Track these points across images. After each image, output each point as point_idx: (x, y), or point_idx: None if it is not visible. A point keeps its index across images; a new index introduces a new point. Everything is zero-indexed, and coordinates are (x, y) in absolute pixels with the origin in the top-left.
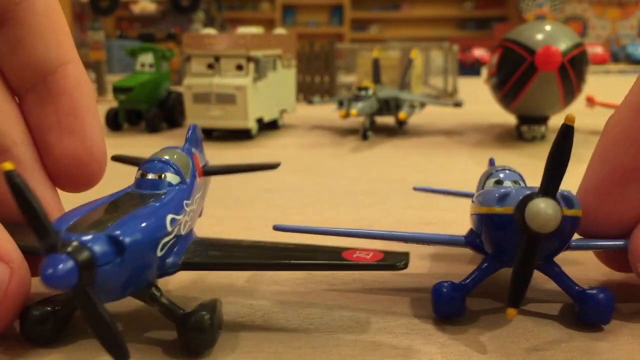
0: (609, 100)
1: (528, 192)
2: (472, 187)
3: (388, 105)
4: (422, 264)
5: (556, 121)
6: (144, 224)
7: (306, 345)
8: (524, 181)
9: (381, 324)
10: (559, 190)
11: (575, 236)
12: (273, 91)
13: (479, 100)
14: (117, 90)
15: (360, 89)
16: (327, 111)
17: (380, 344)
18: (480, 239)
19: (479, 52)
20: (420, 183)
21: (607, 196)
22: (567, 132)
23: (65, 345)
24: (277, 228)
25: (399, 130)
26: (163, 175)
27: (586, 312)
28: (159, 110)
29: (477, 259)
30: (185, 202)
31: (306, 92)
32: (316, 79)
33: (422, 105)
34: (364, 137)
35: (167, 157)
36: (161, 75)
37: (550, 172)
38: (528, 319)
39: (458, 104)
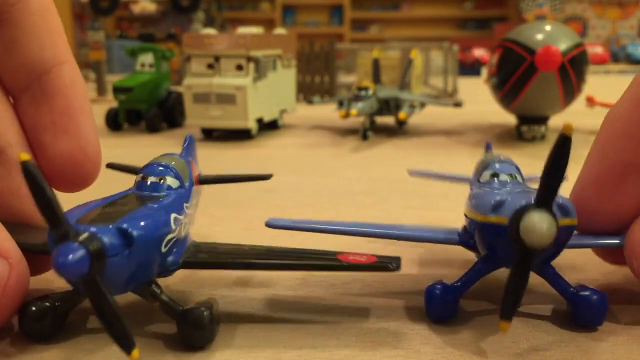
0: (609, 100)
1: (523, 203)
2: None
3: (388, 105)
4: (422, 264)
5: (556, 121)
6: (150, 219)
7: (306, 345)
8: (520, 173)
9: (381, 324)
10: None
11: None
12: (273, 91)
13: (479, 100)
14: (117, 90)
15: (360, 89)
16: (327, 111)
17: (380, 344)
18: (474, 239)
19: (479, 52)
20: (420, 183)
21: (605, 190)
22: (564, 143)
23: (64, 341)
24: (269, 224)
25: (399, 130)
26: (163, 179)
27: (578, 314)
28: (159, 110)
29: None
30: (185, 204)
31: (306, 92)
32: (316, 79)
33: (422, 105)
34: (364, 137)
35: (167, 162)
36: (161, 75)
37: (547, 183)
38: (528, 319)
39: (458, 104)
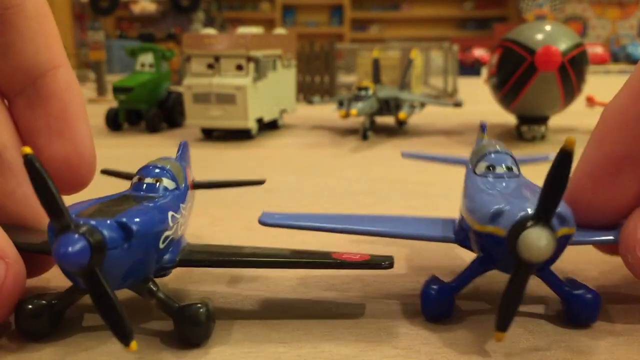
0: (609, 100)
1: (522, 214)
2: None
3: (388, 105)
4: (422, 264)
5: (556, 121)
6: (149, 215)
7: (306, 345)
8: (516, 164)
9: (381, 323)
10: None
11: None
12: (273, 91)
13: (479, 100)
14: (117, 90)
15: (360, 89)
16: (327, 111)
17: (380, 343)
18: (470, 238)
19: (479, 52)
20: (420, 183)
21: (602, 182)
22: (565, 158)
23: (60, 339)
24: (262, 221)
25: (399, 130)
26: (159, 181)
27: (572, 313)
28: (159, 110)
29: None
30: (181, 204)
31: (306, 92)
32: (316, 79)
33: (422, 105)
34: (364, 137)
35: (163, 164)
36: (161, 75)
37: (546, 197)
38: (528, 319)
39: (458, 104)
